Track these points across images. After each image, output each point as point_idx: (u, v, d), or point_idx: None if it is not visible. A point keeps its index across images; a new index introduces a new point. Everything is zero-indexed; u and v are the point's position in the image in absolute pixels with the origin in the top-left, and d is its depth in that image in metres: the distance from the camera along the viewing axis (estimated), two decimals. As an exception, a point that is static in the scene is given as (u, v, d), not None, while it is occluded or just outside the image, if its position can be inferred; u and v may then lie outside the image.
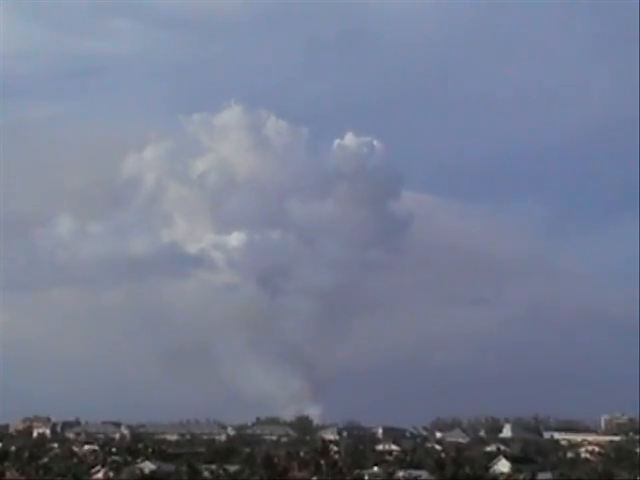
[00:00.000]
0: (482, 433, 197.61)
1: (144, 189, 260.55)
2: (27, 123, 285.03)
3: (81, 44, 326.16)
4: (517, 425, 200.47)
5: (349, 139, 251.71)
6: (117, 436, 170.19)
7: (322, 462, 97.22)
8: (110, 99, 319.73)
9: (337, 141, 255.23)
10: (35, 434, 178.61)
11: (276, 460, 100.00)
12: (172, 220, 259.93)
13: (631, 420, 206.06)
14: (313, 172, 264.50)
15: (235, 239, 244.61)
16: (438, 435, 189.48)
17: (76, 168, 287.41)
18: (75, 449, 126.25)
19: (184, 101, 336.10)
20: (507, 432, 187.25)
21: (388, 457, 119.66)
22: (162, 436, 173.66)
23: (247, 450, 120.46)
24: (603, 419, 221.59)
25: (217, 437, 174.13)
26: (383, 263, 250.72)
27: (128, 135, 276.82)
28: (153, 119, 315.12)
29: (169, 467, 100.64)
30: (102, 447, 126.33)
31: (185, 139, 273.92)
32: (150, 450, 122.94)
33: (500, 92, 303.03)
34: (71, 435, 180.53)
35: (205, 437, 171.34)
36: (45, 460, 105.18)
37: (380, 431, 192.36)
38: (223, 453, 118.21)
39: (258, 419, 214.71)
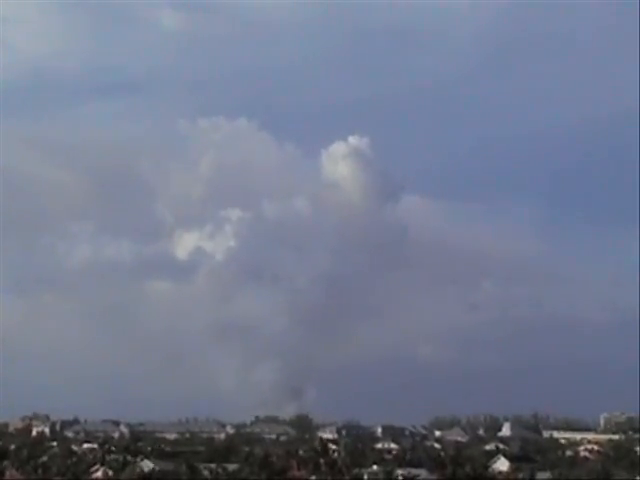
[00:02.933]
0: (481, 432, 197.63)
1: (139, 194, 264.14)
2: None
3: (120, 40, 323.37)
4: (516, 424, 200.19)
5: (343, 142, 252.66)
6: (116, 435, 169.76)
7: (321, 461, 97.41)
8: (127, 99, 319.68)
9: (331, 145, 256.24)
10: (34, 433, 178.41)
11: (275, 459, 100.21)
12: (167, 227, 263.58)
13: (630, 419, 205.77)
14: (306, 176, 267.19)
15: (229, 244, 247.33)
16: (437, 434, 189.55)
17: (78, 171, 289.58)
18: (74, 448, 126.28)
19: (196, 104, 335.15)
20: (506, 431, 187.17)
21: (387, 456, 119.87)
22: (161, 435, 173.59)
23: (246, 449, 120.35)
24: (602, 418, 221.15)
25: (216, 436, 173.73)
26: (379, 264, 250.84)
27: (129, 138, 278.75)
28: (164, 120, 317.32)
29: (168, 466, 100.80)
30: (101, 446, 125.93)
31: (186, 142, 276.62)
32: (149, 449, 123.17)
33: (498, 93, 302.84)
34: (70, 434, 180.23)
35: (204, 436, 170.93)
36: (44, 459, 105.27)
37: (379, 430, 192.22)
38: (222, 452, 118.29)
39: (257, 418, 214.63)
